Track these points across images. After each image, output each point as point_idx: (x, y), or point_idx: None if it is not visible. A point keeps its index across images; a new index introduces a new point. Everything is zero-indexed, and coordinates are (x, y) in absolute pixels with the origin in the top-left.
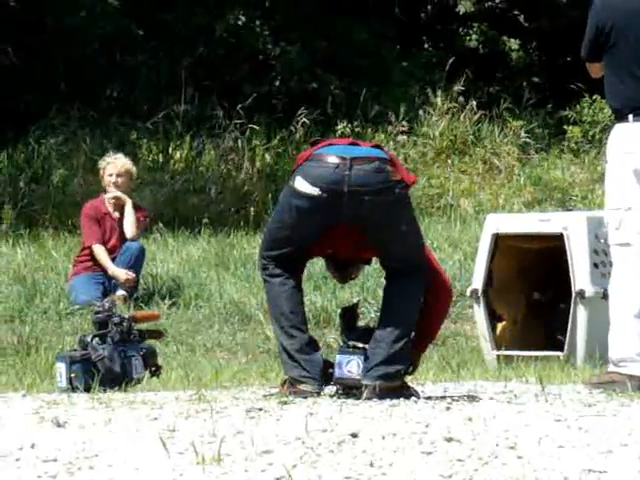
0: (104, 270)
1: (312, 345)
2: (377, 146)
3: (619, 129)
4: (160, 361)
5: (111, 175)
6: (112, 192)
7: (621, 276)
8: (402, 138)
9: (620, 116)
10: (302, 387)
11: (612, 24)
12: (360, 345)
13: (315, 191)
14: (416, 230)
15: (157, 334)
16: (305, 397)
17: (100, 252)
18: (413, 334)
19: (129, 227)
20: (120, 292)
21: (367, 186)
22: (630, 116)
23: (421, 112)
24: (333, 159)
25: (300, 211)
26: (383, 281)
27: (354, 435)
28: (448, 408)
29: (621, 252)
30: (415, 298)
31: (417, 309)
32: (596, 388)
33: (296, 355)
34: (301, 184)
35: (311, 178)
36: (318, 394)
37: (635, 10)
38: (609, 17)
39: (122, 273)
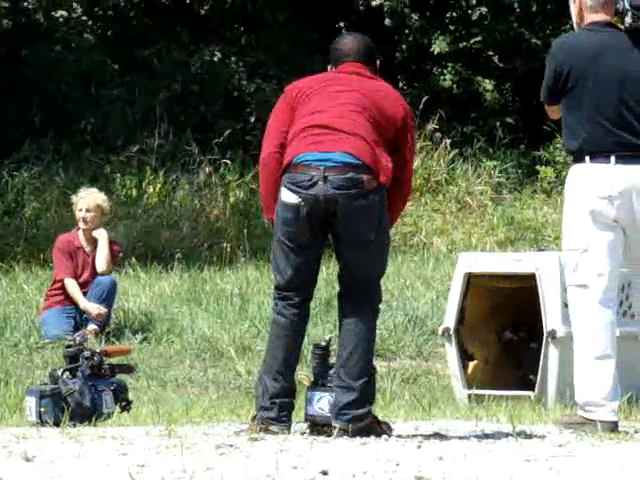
0: (75, 304)
1: (291, 393)
2: (349, 152)
3: (576, 170)
4: (131, 396)
5: (81, 210)
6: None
7: (580, 319)
8: None
9: (577, 158)
10: (272, 428)
11: (570, 68)
12: (331, 383)
13: (296, 200)
14: (382, 246)
15: (128, 369)
16: (275, 435)
17: (72, 286)
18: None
19: (101, 261)
20: (91, 326)
21: (340, 195)
22: (587, 158)
23: None
24: (308, 170)
25: (287, 223)
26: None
27: (324, 473)
28: (419, 446)
29: (578, 294)
30: (372, 322)
31: (374, 331)
32: (567, 428)
33: (274, 398)
34: (285, 195)
35: (291, 189)
36: (288, 432)
37: (594, 54)
38: (567, 61)
39: (94, 307)
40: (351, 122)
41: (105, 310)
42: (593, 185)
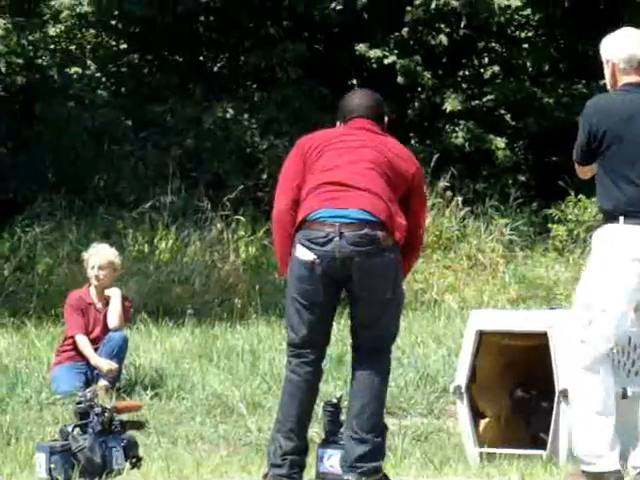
0: (86, 360)
1: (304, 451)
2: (373, 193)
3: (608, 229)
4: (141, 452)
5: (93, 268)
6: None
7: (582, 375)
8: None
9: (610, 217)
10: None
11: (606, 129)
12: (342, 440)
13: (311, 257)
14: (398, 304)
15: (138, 425)
16: None
17: (83, 342)
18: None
19: (114, 317)
20: (102, 382)
21: (356, 251)
22: (621, 218)
23: None
24: (324, 227)
25: (302, 280)
26: None
27: None
28: None
29: (583, 350)
30: (385, 379)
31: (386, 388)
32: None
33: (286, 455)
34: (300, 252)
35: (307, 246)
36: None
37: (628, 115)
38: (602, 122)
39: (105, 363)
40: (366, 179)
41: (116, 366)
42: (627, 245)
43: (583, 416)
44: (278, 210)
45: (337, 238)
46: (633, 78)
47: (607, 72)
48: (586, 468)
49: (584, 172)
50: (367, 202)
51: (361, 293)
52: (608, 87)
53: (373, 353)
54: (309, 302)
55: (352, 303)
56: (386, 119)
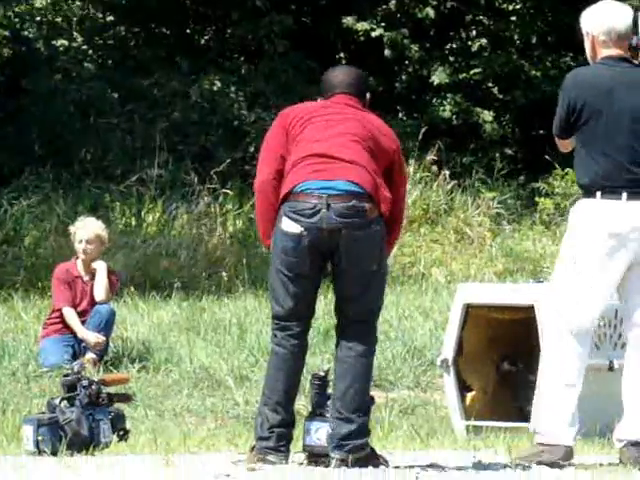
0: (74, 333)
1: (291, 424)
2: (351, 181)
3: (585, 204)
4: (128, 425)
5: (81, 242)
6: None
7: (556, 345)
8: None
9: (587, 192)
10: (269, 457)
11: (584, 102)
12: (329, 413)
13: (297, 229)
14: (383, 277)
15: (126, 398)
16: (272, 465)
17: (70, 315)
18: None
19: (100, 290)
20: (89, 355)
21: (343, 223)
22: (598, 193)
23: None
24: (311, 199)
25: (287, 252)
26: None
27: None
28: (417, 477)
29: (559, 322)
30: (371, 353)
31: (372, 364)
32: (526, 461)
33: (273, 428)
34: (286, 224)
35: (293, 218)
36: (286, 462)
37: (608, 89)
38: (581, 95)
39: (92, 336)
40: (351, 151)
41: (103, 339)
42: (603, 220)
43: (550, 387)
44: (261, 181)
45: (324, 210)
46: (613, 51)
47: (587, 45)
48: (540, 439)
49: (564, 145)
50: (354, 174)
51: (347, 266)
52: (589, 60)
53: (358, 328)
54: (294, 274)
55: (337, 276)
56: (368, 96)
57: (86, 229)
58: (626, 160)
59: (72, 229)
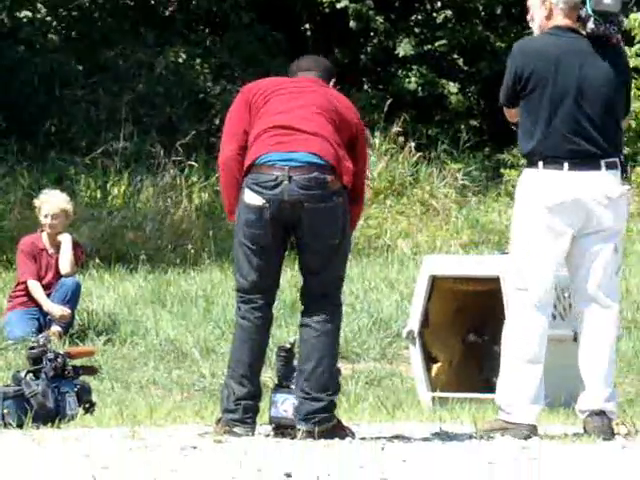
0: (39, 306)
1: (257, 396)
2: (322, 137)
3: (528, 175)
4: (94, 398)
5: (47, 216)
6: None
7: (515, 321)
8: None
9: (530, 162)
10: (236, 429)
11: (531, 71)
12: (295, 385)
13: (260, 201)
14: (345, 250)
15: (92, 370)
16: (239, 437)
17: (35, 288)
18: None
19: (65, 263)
20: (55, 328)
21: (305, 195)
22: (540, 163)
23: None
24: (273, 171)
25: (250, 224)
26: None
27: (288, 475)
28: (383, 449)
29: (518, 297)
30: (336, 330)
31: (338, 341)
32: (488, 434)
33: (240, 400)
34: (248, 196)
35: (255, 190)
36: (252, 434)
37: (555, 59)
38: (529, 64)
39: (57, 309)
40: (314, 123)
41: (69, 312)
42: (545, 191)
43: (511, 363)
44: (225, 157)
45: (286, 182)
46: (562, 21)
47: (540, 13)
48: (502, 416)
49: (511, 115)
50: (316, 145)
51: (309, 238)
52: (535, 29)
53: (321, 302)
54: (258, 247)
55: (300, 250)
56: (332, 82)
57: (51, 203)
58: (569, 130)
59: (37, 203)
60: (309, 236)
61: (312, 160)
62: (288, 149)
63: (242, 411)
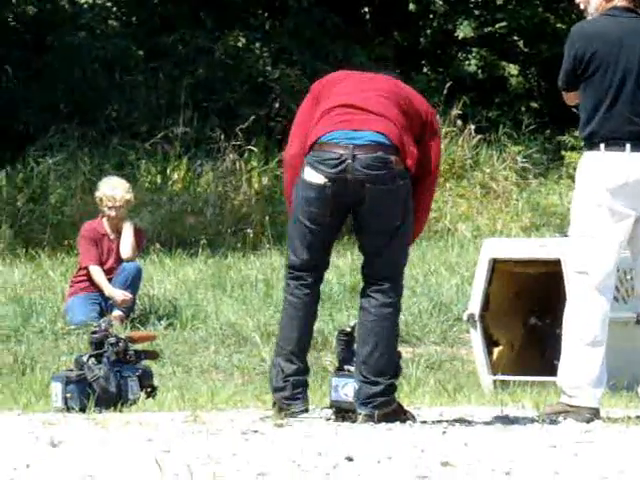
0: (101, 290)
1: (305, 372)
2: (381, 131)
3: (590, 157)
4: (156, 382)
5: (109, 208)
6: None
7: (576, 304)
8: None
9: (591, 145)
10: (288, 407)
11: (591, 54)
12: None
13: (321, 180)
14: (407, 233)
15: (153, 355)
16: (295, 416)
17: (97, 273)
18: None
19: (126, 248)
20: (117, 312)
21: (369, 175)
22: (602, 145)
23: None
24: (336, 149)
25: (309, 202)
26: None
27: (349, 459)
28: (444, 433)
29: (579, 280)
30: (395, 314)
31: (397, 322)
32: (550, 418)
33: (288, 377)
34: (309, 174)
35: (317, 168)
36: (306, 410)
37: (615, 40)
38: (588, 47)
39: (119, 294)
40: (380, 105)
41: (130, 296)
42: (607, 174)
43: (573, 346)
44: (291, 154)
45: (350, 160)
46: (623, 2)
47: None
48: (564, 399)
49: (570, 98)
50: (382, 126)
51: (370, 219)
52: (591, 11)
53: (380, 284)
54: (315, 225)
55: (360, 231)
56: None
57: (113, 195)
58: (631, 112)
59: (98, 194)
60: (370, 217)
61: (377, 139)
62: (352, 127)
63: (291, 387)
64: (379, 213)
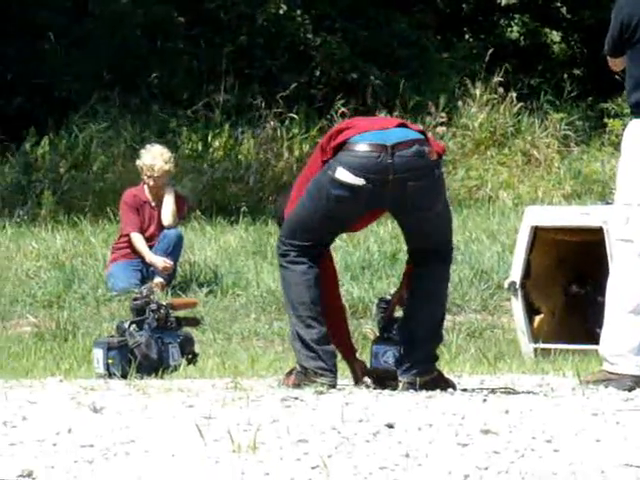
0: (142, 257)
1: (328, 338)
2: (403, 124)
3: (637, 125)
4: (197, 349)
5: (149, 177)
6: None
7: (620, 272)
8: (441, 129)
9: (638, 112)
10: (319, 379)
11: (638, 19)
12: (396, 337)
13: (360, 181)
14: (448, 209)
15: (194, 322)
16: (322, 386)
17: (138, 240)
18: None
19: (168, 215)
20: (158, 279)
21: (410, 172)
22: None
23: (460, 103)
24: (374, 148)
25: (341, 200)
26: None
27: (390, 426)
28: (485, 400)
29: (623, 248)
30: (444, 285)
31: (446, 294)
32: (590, 385)
33: (314, 346)
34: (344, 175)
35: (354, 169)
36: (334, 387)
37: None
38: (635, 12)
39: (160, 260)
40: (395, 123)
41: (171, 263)
42: None
43: (615, 314)
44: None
45: (389, 159)
46: None
47: None
48: (607, 367)
49: (616, 65)
50: (403, 124)
51: (412, 211)
52: None
53: (428, 256)
54: (342, 219)
55: (401, 221)
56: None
57: (152, 166)
58: None
59: (138, 163)
60: (412, 210)
61: (407, 134)
62: (383, 127)
63: (321, 358)
64: (420, 207)
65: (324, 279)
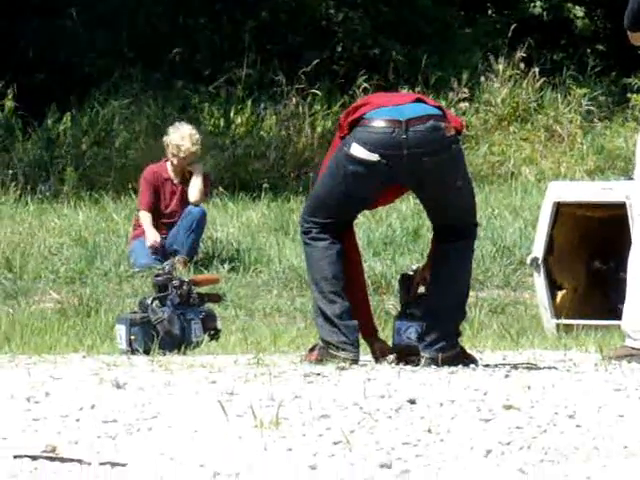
0: (164, 234)
1: (350, 313)
2: (420, 100)
3: None
4: (219, 325)
5: (174, 156)
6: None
7: None
8: (464, 105)
9: None
10: (341, 354)
11: None
12: (419, 313)
13: (374, 157)
14: (469, 185)
15: (216, 298)
16: (344, 361)
17: (145, 218)
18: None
19: (195, 192)
20: (180, 256)
21: (425, 147)
22: None
23: (483, 79)
24: (388, 124)
25: (357, 176)
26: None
27: (412, 401)
28: (507, 376)
29: None
30: (468, 261)
31: (470, 270)
32: (613, 361)
33: (336, 320)
34: (358, 150)
35: (368, 144)
36: (356, 362)
37: None
38: None
39: (151, 235)
40: (411, 97)
41: (158, 240)
42: None
43: (637, 289)
44: None
45: (404, 135)
46: None
47: None
48: (629, 343)
49: (636, 39)
50: (419, 99)
51: (429, 188)
52: None
53: (451, 231)
54: (360, 196)
55: (421, 197)
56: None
57: (179, 145)
58: None
59: (165, 140)
60: (430, 187)
61: (423, 109)
62: (399, 103)
63: (341, 333)
64: (438, 183)
65: (347, 255)
